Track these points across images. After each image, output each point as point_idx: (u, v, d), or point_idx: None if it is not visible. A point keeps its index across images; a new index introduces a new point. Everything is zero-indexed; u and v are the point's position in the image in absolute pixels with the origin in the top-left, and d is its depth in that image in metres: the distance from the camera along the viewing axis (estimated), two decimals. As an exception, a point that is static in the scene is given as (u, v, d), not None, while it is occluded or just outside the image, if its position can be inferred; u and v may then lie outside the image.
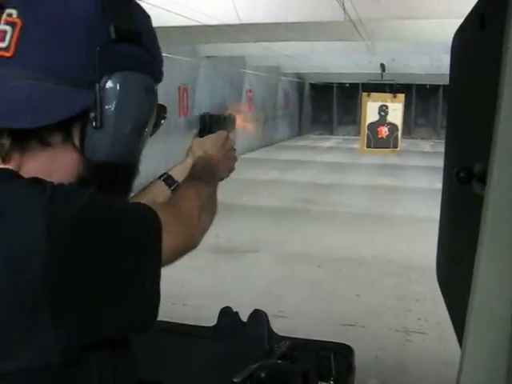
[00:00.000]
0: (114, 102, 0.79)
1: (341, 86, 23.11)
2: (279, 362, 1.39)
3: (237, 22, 6.85)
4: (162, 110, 0.96)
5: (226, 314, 1.61)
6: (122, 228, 0.76)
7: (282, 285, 4.96)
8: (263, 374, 1.27)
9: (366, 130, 12.79)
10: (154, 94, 0.86)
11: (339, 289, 4.91)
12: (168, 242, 0.80)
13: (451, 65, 1.39)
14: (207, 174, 1.12)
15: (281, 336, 1.57)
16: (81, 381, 0.75)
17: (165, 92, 9.55)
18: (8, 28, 0.76)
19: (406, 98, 13.32)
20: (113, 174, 0.85)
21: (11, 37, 0.76)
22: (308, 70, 17.85)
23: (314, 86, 24.20)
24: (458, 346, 0.87)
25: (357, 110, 20.84)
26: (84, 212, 0.72)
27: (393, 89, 14.00)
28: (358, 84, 21.14)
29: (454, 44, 1.34)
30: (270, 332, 1.56)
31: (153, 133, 0.94)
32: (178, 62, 10.77)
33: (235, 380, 1.25)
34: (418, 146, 19.21)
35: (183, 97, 11.44)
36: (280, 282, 5.03)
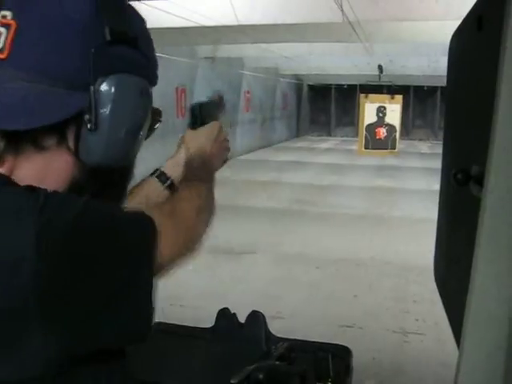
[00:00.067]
0: (109, 105, 0.79)
1: (339, 87, 23.13)
2: (277, 363, 1.40)
3: (235, 23, 6.85)
4: (156, 114, 0.95)
5: (224, 315, 1.61)
6: (117, 237, 0.75)
7: (280, 286, 4.96)
8: (261, 376, 1.27)
9: (364, 131, 12.82)
10: (148, 96, 0.86)
11: (337, 290, 4.92)
12: (166, 248, 0.80)
13: (449, 66, 1.39)
14: (203, 172, 1.11)
15: (278, 337, 1.57)
16: None
17: (162, 93, 9.55)
18: (2, 30, 0.75)
19: (403, 99, 13.36)
20: (108, 177, 0.84)
21: (5, 38, 0.75)
22: (306, 72, 17.86)
23: (312, 88, 24.21)
24: (456, 347, 0.87)
25: (355, 112, 20.87)
26: (78, 220, 0.71)
27: (391, 90, 14.04)
28: (355, 85, 21.17)
29: (452, 46, 1.34)
30: (268, 333, 1.56)
31: (148, 136, 0.93)
32: (175, 63, 10.77)
33: (233, 381, 1.25)
34: (415, 148, 19.23)
35: (181, 98, 11.44)
36: (278, 283, 5.03)
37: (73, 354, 0.71)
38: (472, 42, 1.07)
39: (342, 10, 6.17)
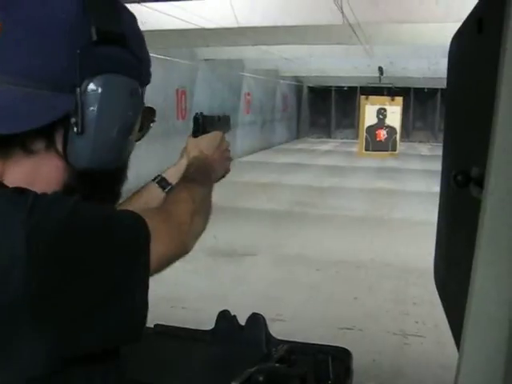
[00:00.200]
0: (96, 106, 0.77)
1: (339, 89, 23.14)
2: (277, 365, 1.39)
3: (235, 25, 6.86)
4: (150, 113, 0.93)
5: (224, 317, 1.61)
6: (109, 237, 0.74)
7: (280, 288, 4.95)
8: (261, 378, 1.26)
9: (365, 133, 12.82)
10: (138, 97, 0.84)
11: (337, 292, 4.91)
12: (158, 249, 0.78)
13: (449, 68, 1.39)
14: (202, 175, 1.10)
15: (279, 339, 1.57)
16: None
17: (163, 95, 9.56)
18: None
19: (404, 101, 13.36)
20: (99, 180, 0.83)
21: None
22: (306, 74, 17.86)
23: (312, 90, 24.23)
24: (456, 349, 0.87)
25: (355, 114, 20.88)
26: (68, 221, 0.70)
27: (391, 92, 14.03)
28: (356, 87, 21.18)
29: (452, 48, 1.34)
30: (268, 335, 1.56)
31: (142, 136, 0.92)
32: (176, 65, 10.78)
33: (233, 383, 1.25)
34: (415, 149, 19.23)
35: (181, 99, 11.45)
36: (278, 285, 5.03)
37: (65, 354, 0.71)
38: (472, 45, 1.07)
39: (342, 12, 6.18)
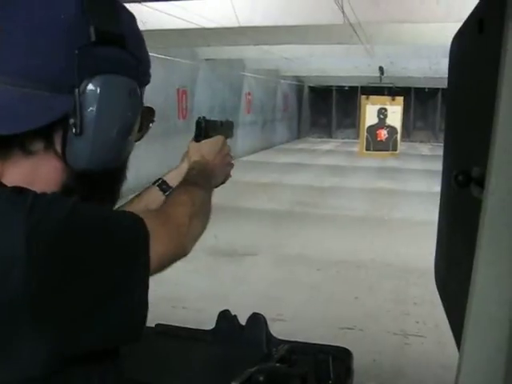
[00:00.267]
0: (95, 107, 0.76)
1: (340, 89, 23.15)
2: (277, 365, 1.39)
3: (236, 25, 6.86)
4: (149, 113, 0.93)
5: (225, 317, 1.61)
6: (109, 237, 0.74)
7: (281, 288, 4.96)
8: (261, 378, 1.27)
9: (365, 133, 12.81)
10: (137, 97, 0.83)
11: (338, 292, 4.91)
12: (157, 250, 0.78)
13: (449, 68, 1.39)
14: (202, 179, 1.10)
15: (279, 339, 1.57)
16: None
17: (164, 94, 9.56)
18: None
19: (404, 101, 13.35)
20: (98, 181, 0.83)
21: None
22: (307, 73, 17.87)
23: (312, 89, 24.24)
24: (456, 349, 0.87)
25: (356, 113, 20.87)
26: (67, 221, 0.70)
27: (392, 92, 14.02)
28: (356, 87, 21.18)
29: (453, 48, 1.34)
30: (269, 335, 1.56)
31: (142, 136, 0.92)
32: (177, 65, 10.78)
33: (233, 383, 1.25)
34: (416, 149, 19.23)
35: (182, 99, 11.45)
36: (279, 285, 5.03)
37: (65, 354, 0.71)
38: (473, 45, 1.07)
39: (343, 12, 6.18)
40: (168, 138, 9.48)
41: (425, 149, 19.72)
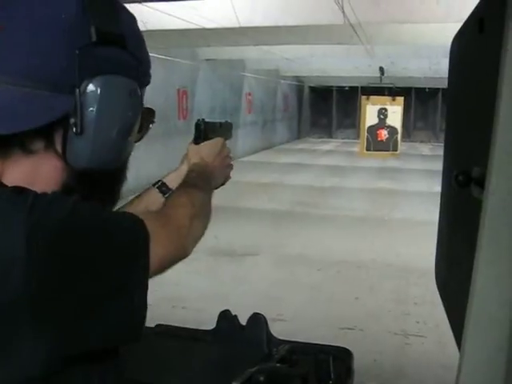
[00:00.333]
0: (95, 107, 0.77)
1: (340, 89, 23.14)
2: (278, 365, 1.39)
3: (236, 25, 6.86)
4: (149, 114, 0.93)
5: (225, 317, 1.61)
6: (108, 238, 0.74)
7: (281, 288, 4.95)
8: (262, 378, 1.27)
9: (366, 133, 12.81)
10: (138, 98, 0.84)
11: (338, 292, 4.91)
12: (157, 251, 0.78)
13: (450, 68, 1.39)
14: (202, 181, 1.10)
15: (280, 339, 1.57)
16: None
17: (164, 95, 9.56)
18: None
19: (405, 101, 13.35)
20: (98, 181, 0.83)
21: None
22: (307, 74, 17.87)
23: (313, 90, 24.23)
24: (457, 349, 0.87)
25: (356, 114, 20.87)
26: (67, 221, 0.70)
27: (392, 92, 14.01)
28: (357, 87, 21.17)
29: (453, 48, 1.34)
30: (269, 335, 1.56)
31: (141, 137, 0.92)
32: (177, 65, 10.78)
33: (234, 383, 1.25)
34: (417, 150, 19.23)
35: (182, 100, 11.45)
36: (279, 285, 5.03)
37: (65, 354, 0.71)
38: (473, 45, 1.07)
39: (343, 12, 6.18)
40: (168, 139, 9.48)
41: (425, 149, 19.72)
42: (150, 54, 0.90)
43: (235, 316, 1.61)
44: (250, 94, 16.57)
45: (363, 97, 13.43)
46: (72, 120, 0.76)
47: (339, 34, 7.66)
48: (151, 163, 7.50)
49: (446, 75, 1.44)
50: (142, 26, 0.88)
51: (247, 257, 5.93)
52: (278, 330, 1.61)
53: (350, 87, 22.14)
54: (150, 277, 0.78)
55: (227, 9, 6.59)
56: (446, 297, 1.33)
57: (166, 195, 1.17)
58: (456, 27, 1.28)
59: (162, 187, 1.20)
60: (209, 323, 1.63)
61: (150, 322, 0.82)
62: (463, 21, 1.18)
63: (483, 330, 0.75)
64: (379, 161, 13.57)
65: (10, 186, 0.74)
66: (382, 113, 12.67)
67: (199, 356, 1.56)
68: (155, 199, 1.17)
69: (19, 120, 0.73)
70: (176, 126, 10.67)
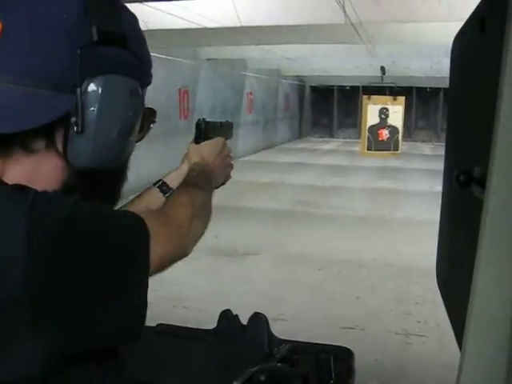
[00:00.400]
0: (96, 107, 0.77)
1: (341, 88, 23.13)
2: (279, 365, 1.39)
3: (238, 24, 6.86)
4: (151, 114, 0.93)
5: (226, 316, 1.61)
6: (109, 237, 0.74)
7: (282, 287, 4.96)
8: (263, 377, 1.27)
9: (367, 133, 12.80)
10: (139, 97, 0.84)
11: (339, 291, 4.91)
12: (157, 250, 0.78)
13: (451, 68, 1.39)
14: (203, 181, 1.10)
15: (281, 339, 1.57)
16: None
17: (165, 94, 9.56)
18: None
19: (406, 100, 13.33)
20: (98, 180, 0.83)
21: None
22: (308, 73, 17.87)
23: (314, 89, 24.22)
24: (458, 349, 0.87)
25: (357, 113, 20.86)
26: (68, 219, 0.70)
27: (393, 91, 14.00)
28: (358, 87, 21.15)
29: (454, 47, 1.34)
30: (270, 335, 1.56)
31: (142, 137, 0.92)
32: (178, 65, 10.78)
33: (235, 383, 1.25)
34: (418, 149, 19.22)
35: (183, 99, 11.45)
36: (280, 285, 5.03)
37: (65, 353, 0.71)
38: (474, 44, 1.07)
39: (345, 12, 6.18)
40: (169, 138, 9.48)
41: (426, 148, 19.71)
42: (151, 54, 0.90)
43: (236, 315, 1.61)
44: (251, 94, 16.57)
45: (364, 96, 13.41)
46: (73, 119, 0.76)
47: (340, 34, 7.66)
48: (152, 163, 7.50)
49: (448, 75, 1.43)
50: (143, 26, 0.88)
51: (248, 256, 5.93)
52: (278, 330, 1.61)
53: (352, 87, 22.13)
54: (150, 275, 0.78)
55: (228, 8, 6.59)
56: (447, 296, 1.33)
57: (167, 194, 1.17)
58: (458, 26, 1.28)
59: (162, 186, 1.20)
60: (210, 323, 1.63)
61: (151, 321, 0.82)
62: (465, 20, 1.18)
63: (484, 330, 0.75)
64: (380, 160, 13.56)
65: (10, 184, 0.74)
66: (383, 112, 12.65)
67: (200, 355, 1.56)
68: (156, 198, 1.17)
69: (20, 119, 0.74)
70: (177, 126, 10.67)
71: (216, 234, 4.99)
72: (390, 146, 12.77)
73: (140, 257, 0.76)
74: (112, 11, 0.80)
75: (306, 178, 11.79)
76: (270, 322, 1.57)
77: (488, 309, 0.74)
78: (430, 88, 21.11)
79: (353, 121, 23.12)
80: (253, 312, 1.59)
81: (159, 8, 6.19)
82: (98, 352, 0.77)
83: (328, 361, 1.40)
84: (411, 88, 20.48)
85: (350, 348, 1.57)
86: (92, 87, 0.76)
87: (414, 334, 4.04)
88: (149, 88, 0.90)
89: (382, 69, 13.88)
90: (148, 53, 0.88)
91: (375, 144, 12.80)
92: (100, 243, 0.73)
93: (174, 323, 1.70)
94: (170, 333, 1.65)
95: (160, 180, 1.22)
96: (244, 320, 1.59)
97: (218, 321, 1.61)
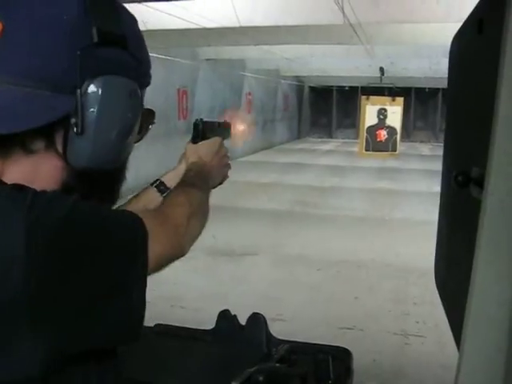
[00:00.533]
0: (96, 108, 0.77)
1: (340, 89, 23.14)
2: (277, 365, 1.40)
3: (236, 25, 6.86)
4: (149, 115, 0.94)
5: (225, 317, 1.61)
6: (107, 236, 0.75)
7: (281, 288, 4.96)
8: (261, 378, 1.27)
9: (365, 134, 12.82)
10: (138, 98, 0.84)
11: (338, 292, 4.91)
12: (154, 249, 0.79)
13: (449, 68, 1.40)
14: (200, 180, 1.10)
15: (279, 339, 1.57)
16: None
17: (164, 94, 9.56)
18: None
19: (405, 101, 13.36)
20: (98, 180, 0.83)
21: None
22: (307, 73, 17.86)
23: (313, 89, 24.23)
24: (456, 349, 0.87)
25: (356, 113, 20.85)
26: (67, 219, 0.70)
27: (392, 92, 14.02)
28: (357, 87, 21.17)
29: (453, 48, 1.35)
30: (269, 335, 1.56)
31: (141, 138, 0.92)
32: (177, 65, 10.78)
33: (233, 383, 1.25)
34: (416, 150, 19.23)
35: (182, 99, 11.45)
36: (279, 285, 5.03)
37: (64, 353, 0.71)
38: (472, 45, 1.07)
39: (343, 12, 6.18)
40: (168, 139, 9.48)
41: (425, 149, 19.72)
42: (150, 54, 0.90)
43: (234, 316, 1.61)
44: (250, 94, 16.57)
45: (363, 97, 13.44)
46: (73, 120, 0.76)
47: (339, 34, 7.66)
48: (151, 163, 7.50)
49: (446, 75, 1.44)
50: (142, 26, 0.88)
51: (246, 256, 5.93)
52: (277, 330, 1.61)
53: (350, 87, 22.14)
54: (148, 274, 0.78)
55: (227, 8, 6.60)
56: (446, 297, 1.33)
57: (164, 194, 1.18)
58: (456, 27, 1.28)
59: (160, 186, 1.21)
60: (208, 323, 1.63)
61: (149, 321, 0.83)
62: (463, 21, 1.18)
63: (482, 330, 0.75)
64: (379, 161, 13.57)
65: (9, 183, 0.74)
66: (382, 113, 12.68)
67: (198, 356, 1.56)
68: (153, 198, 1.17)
69: (20, 120, 0.74)
70: (176, 126, 10.67)
71: (213, 234, 4.99)
72: (388, 146, 12.79)
73: (138, 256, 0.77)
74: (112, 12, 0.80)
75: (304, 179, 11.79)
76: (268, 322, 1.57)
77: (486, 309, 0.75)
78: (428, 88, 21.12)
79: (352, 121, 23.12)
80: (251, 312, 1.59)
81: (158, 8, 6.19)
82: (98, 352, 0.77)
83: (326, 361, 1.40)
84: (410, 88, 20.49)
85: (349, 348, 1.57)
86: (92, 88, 0.77)
87: (413, 335, 4.04)
88: (148, 88, 0.90)
89: (381, 69, 13.89)
90: (147, 54, 0.88)
91: (373, 145, 12.82)
92: (99, 243, 0.73)
93: (171, 323, 1.70)
94: (169, 333, 1.65)
95: (157, 180, 1.22)
96: (242, 320, 1.59)
97: (217, 321, 1.61)
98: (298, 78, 21.40)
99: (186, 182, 1.07)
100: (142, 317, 0.77)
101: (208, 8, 6.61)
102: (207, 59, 12.56)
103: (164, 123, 9.88)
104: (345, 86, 22.44)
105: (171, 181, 1.19)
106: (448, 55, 1.39)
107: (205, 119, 1.28)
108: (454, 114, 1.34)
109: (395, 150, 12.92)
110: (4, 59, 0.73)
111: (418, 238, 6.16)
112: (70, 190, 0.79)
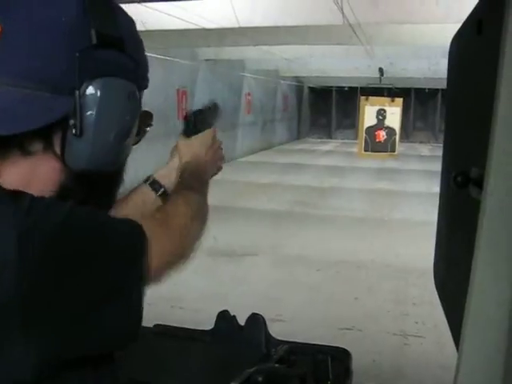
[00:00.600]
0: (94, 109, 0.77)
1: (339, 89, 23.14)
2: (276, 365, 1.39)
3: (236, 25, 6.86)
4: (147, 117, 0.94)
5: (224, 317, 1.61)
6: (104, 243, 0.74)
7: (280, 288, 4.96)
8: (260, 378, 1.26)
9: (364, 134, 12.82)
10: (136, 100, 0.84)
11: (337, 292, 4.92)
12: (156, 257, 0.78)
13: (449, 69, 1.40)
14: (197, 182, 1.09)
15: (278, 340, 1.57)
16: None
17: (163, 95, 9.55)
18: None
19: (404, 101, 13.35)
20: (95, 182, 0.83)
21: None
22: (307, 74, 17.86)
23: (312, 90, 24.23)
24: (455, 350, 0.87)
25: (356, 114, 20.84)
26: (64, 225, 0.70)
27: (391, 93, 14.02)
28: (356, 88, 21.16)
29: (452, 49, 1.35)
30: (268, 336, 1.56)
31: (139, 140, 0.92)
32: (176, 65, 10.78)
33: None
34: (416, 150, 19.23)
35: (182, 100, 11.45)
36: (278, 286, 5.03)
37: (61, 358, 0.70)
38: (472, 46, 1.07)
39: (343, 13, 6.18)
40: (167, 139, 9.46)
41: (424, 149, 19.72)
42: (150, 54, 0.90)
43: (234, 316, 1.61)
44: (249, 95, 16.56)
45: (362, 97, 13.43)
46: (71, 122, 0.76)
47: (338, 35, 7.67)
48: (150, 163, 7.49)
49: (446, 76, 1.44)
50: (141, 26, 0.88)
51: (246, 257, 5.93)
52: (276, 331, 1.61)
53: (350, 88, 22.14)
54: (150, 284, 0.78)
55: (227, 9, 6.60)
56: (445, 297, 1.33)
57: (159, 192, 1.16)
58: (455, 28, 1.29)
59: (154, 184, 1.18)
60: (207, 323, 1.63)
61: (148, 321, 0.82)
62: (462, 22, 1.18)
63: (481, 331, 0.75)
64: (378, 161, 13.57)
65: (7, 188, 0.73)
66: (381, 114, 12.67)
67: (197, 356, 1.56)
68: (148, 197, 1.16)
69: (19, 121, 0.74)
70: (175, 126, 10.64)
71: (214, 235, 4.98)
72: (387, 147, 12.79)
73: (137, 262, 0.76)
74: (110, 14, 0.80)
75: (304, 179, 11.79)
76: (267, 322, 1.57)
77: (485, 309, 0.75)
78: (428, 89, 21.12)
79: (351, 122, 23.12)
80: (250, 313, 1.59)
81: (157, 8, 6.19)
82: (94, 357, 0.76)
83: (325, 362, 1.40)
84: (409, 89, 20.48)
85: (348, 349, 1.57)
86: (90, 90, 0.77)
87: (412, 335, 4.04)
88: (147, 89, 0.90)
89: (380, 70, 13.89)
90: (145, 56, 0.88)
91: (372, 145, 12.81)
92: (96, 248, 0.73)
93: (171, 324, 1.70)
94: (168, 333, 1.65)
95: (149, 177, 1.20)
96: (242, 321, 1.59)
97: (216, 321, 1.61)
98: (297, 79, 21.40)
99: (183, 185, 1.06)
100: (141, 318, 0.77)
101: (207, 8, 6.61)
102: (206, 60, 12.56)
103: (163, 123, 9.87)
104: (344, 87, 22.44)
105: (164, 178, 1.18)
106: (447, 56, 1.39)
107: (194, 109, 1.26)
108: (454, 115, 1.34)
109: (394, 151, 12.91)
110: (3, 61, 0.73)
111: (417, 239, 6.16)
112: (68, 192, 0.79)
